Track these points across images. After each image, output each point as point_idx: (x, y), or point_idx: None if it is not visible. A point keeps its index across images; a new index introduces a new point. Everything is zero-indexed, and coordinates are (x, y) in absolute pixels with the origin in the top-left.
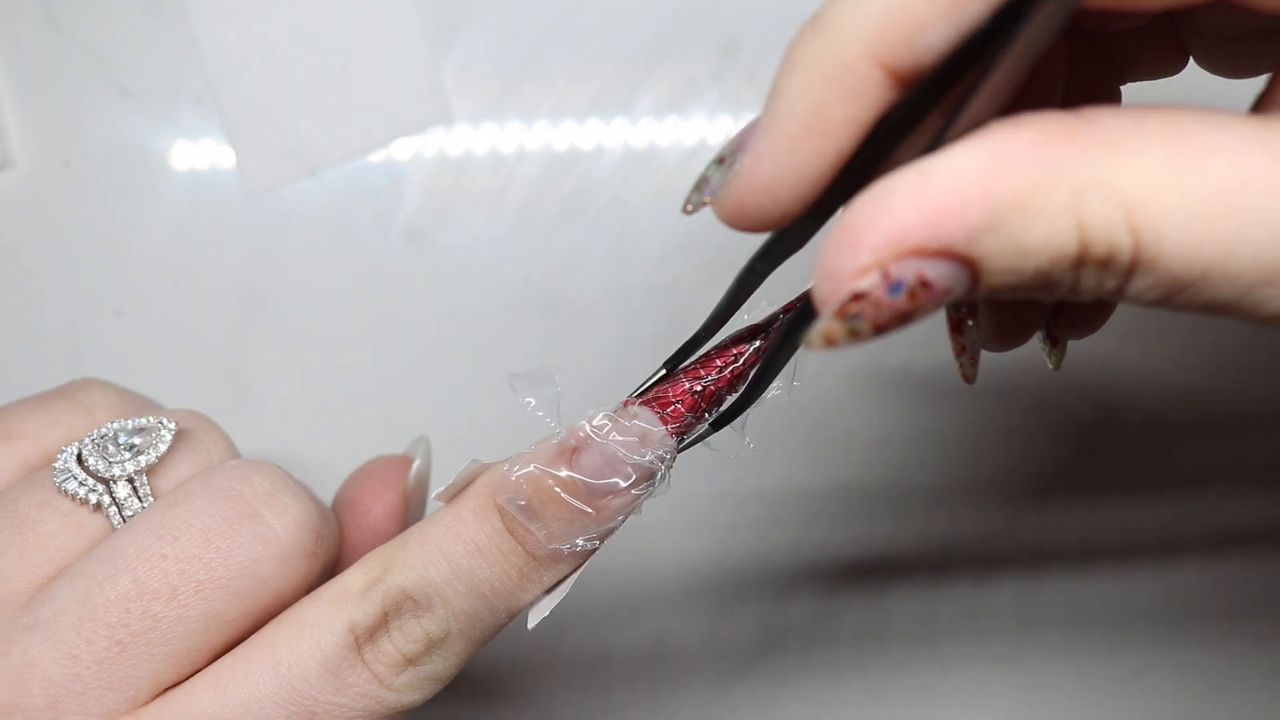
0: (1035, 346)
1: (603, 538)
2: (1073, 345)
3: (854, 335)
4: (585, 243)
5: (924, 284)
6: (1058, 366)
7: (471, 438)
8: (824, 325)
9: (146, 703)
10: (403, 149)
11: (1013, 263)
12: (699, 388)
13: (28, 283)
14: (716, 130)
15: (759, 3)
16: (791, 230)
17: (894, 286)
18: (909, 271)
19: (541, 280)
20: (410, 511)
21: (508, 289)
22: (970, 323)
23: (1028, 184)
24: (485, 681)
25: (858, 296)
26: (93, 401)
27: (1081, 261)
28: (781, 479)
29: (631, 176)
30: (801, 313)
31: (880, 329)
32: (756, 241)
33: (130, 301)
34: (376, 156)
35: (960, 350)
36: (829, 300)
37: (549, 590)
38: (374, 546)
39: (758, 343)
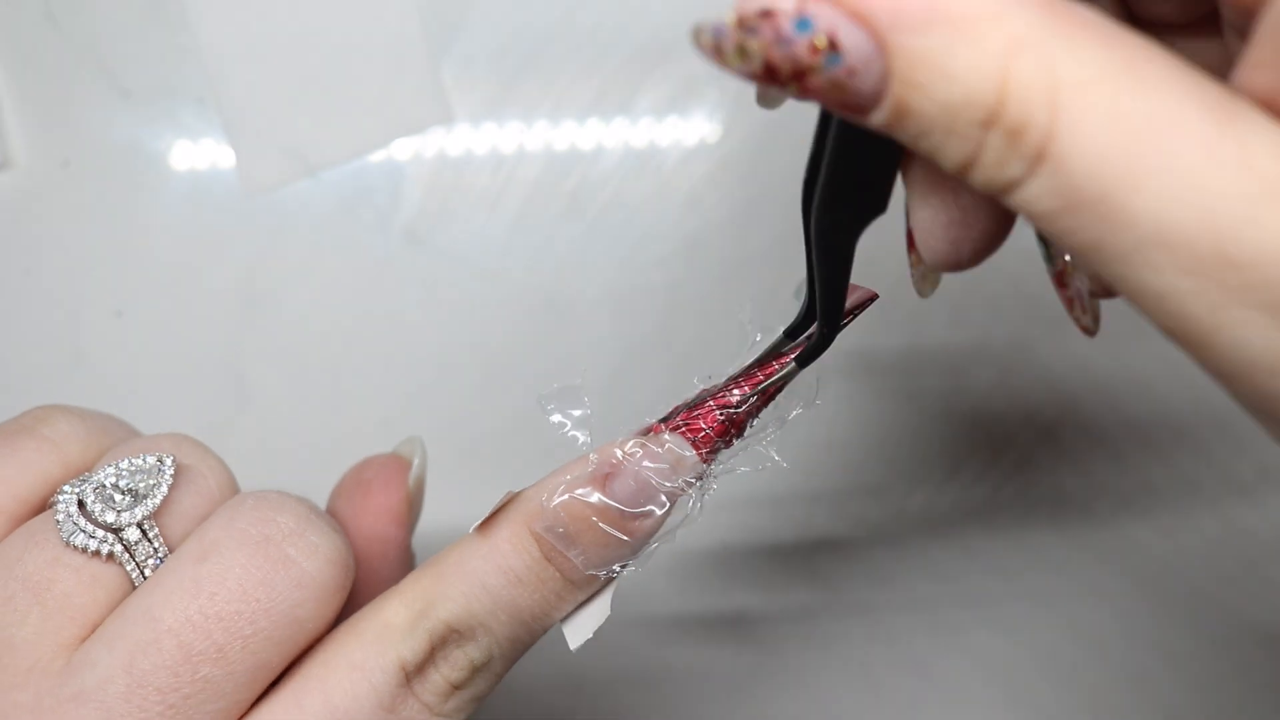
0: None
1: (638, 561)
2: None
3: (742, 55)
4: (585, 243)
5: (832, 44)
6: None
7: (471, 438)
8: (722, 23)
9: None
10: (403, 149)
11: (924, 79)
12: (727, 415)
13: (28, 283)
14: (716, 130)
15: None
16: None
17: (802, 23)
18: (824, 17)
19: (541, 280)
20: (412, 513)
21: (508, 289)
22: (1072, 267)
23: (975, 9)
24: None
25: (766, 13)
26: (58, 435)
27: (992, 120)
28: (784, 474)
29: (631, 176)
30: None
31: (769, 71)
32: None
33: (130, 301)
34: (376, 156)
35: (1070, 304)
36: (741, 5)
37: (585, 607)
38: (380, 553)
39: (791, 365)
